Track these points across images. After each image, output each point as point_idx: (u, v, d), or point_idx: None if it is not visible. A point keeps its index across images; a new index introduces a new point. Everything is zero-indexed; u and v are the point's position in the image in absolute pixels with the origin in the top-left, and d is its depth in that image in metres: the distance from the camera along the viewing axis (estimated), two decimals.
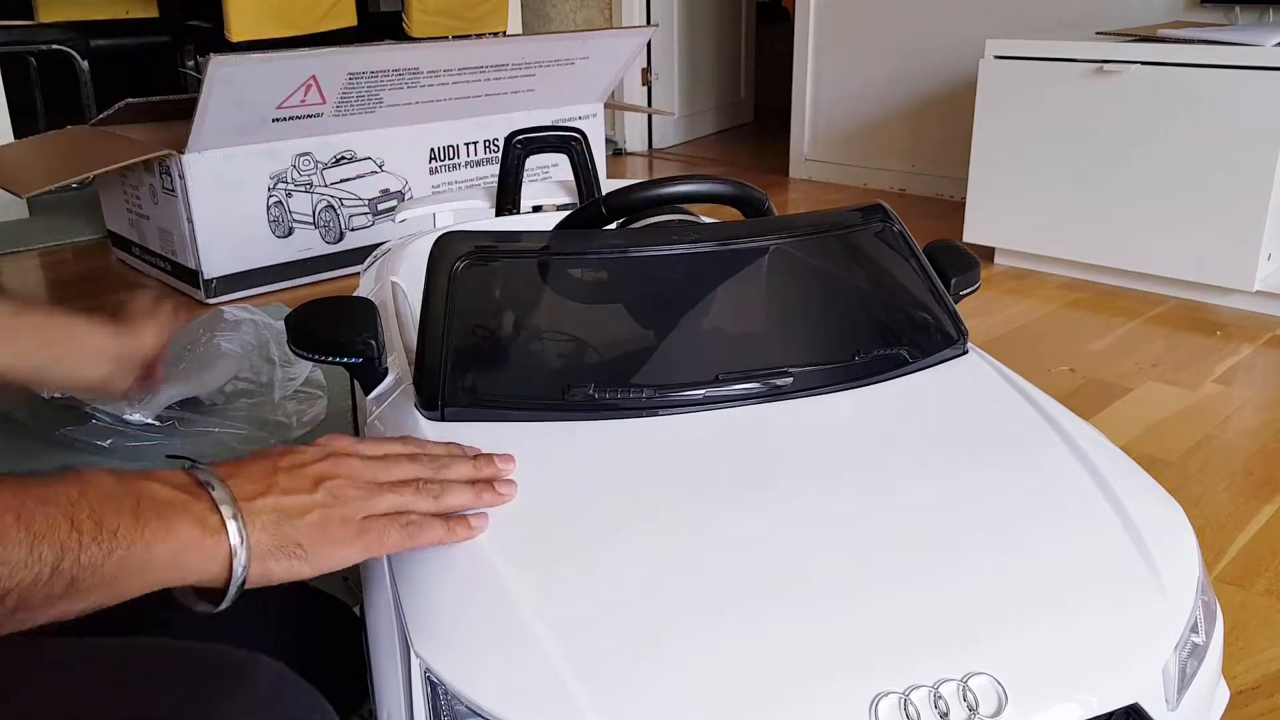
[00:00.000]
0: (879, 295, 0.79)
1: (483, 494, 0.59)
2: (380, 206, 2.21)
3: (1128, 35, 2.03)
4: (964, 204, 2.22)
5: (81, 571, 0.45)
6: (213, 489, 0.50)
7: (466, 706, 0.49)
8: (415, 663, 0.51)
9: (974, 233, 2.20)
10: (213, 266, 2.01)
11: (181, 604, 0.52)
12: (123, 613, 0.47)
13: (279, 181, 2.05)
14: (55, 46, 2.85)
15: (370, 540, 0.54)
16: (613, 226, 0.84)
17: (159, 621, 0.52)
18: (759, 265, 0.78)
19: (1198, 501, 1.24)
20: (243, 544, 0.50)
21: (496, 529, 0.58)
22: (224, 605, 0.51)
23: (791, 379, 0.70)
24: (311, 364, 1.54)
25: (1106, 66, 1.93)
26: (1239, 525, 1.19)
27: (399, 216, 1.39)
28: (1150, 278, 2.01)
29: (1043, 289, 2.07)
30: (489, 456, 0.62)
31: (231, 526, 0.50)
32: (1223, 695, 0.61)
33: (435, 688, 0.50)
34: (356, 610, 0.69)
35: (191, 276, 2.04)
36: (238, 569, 0.50)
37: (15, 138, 2.55)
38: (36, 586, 0.44)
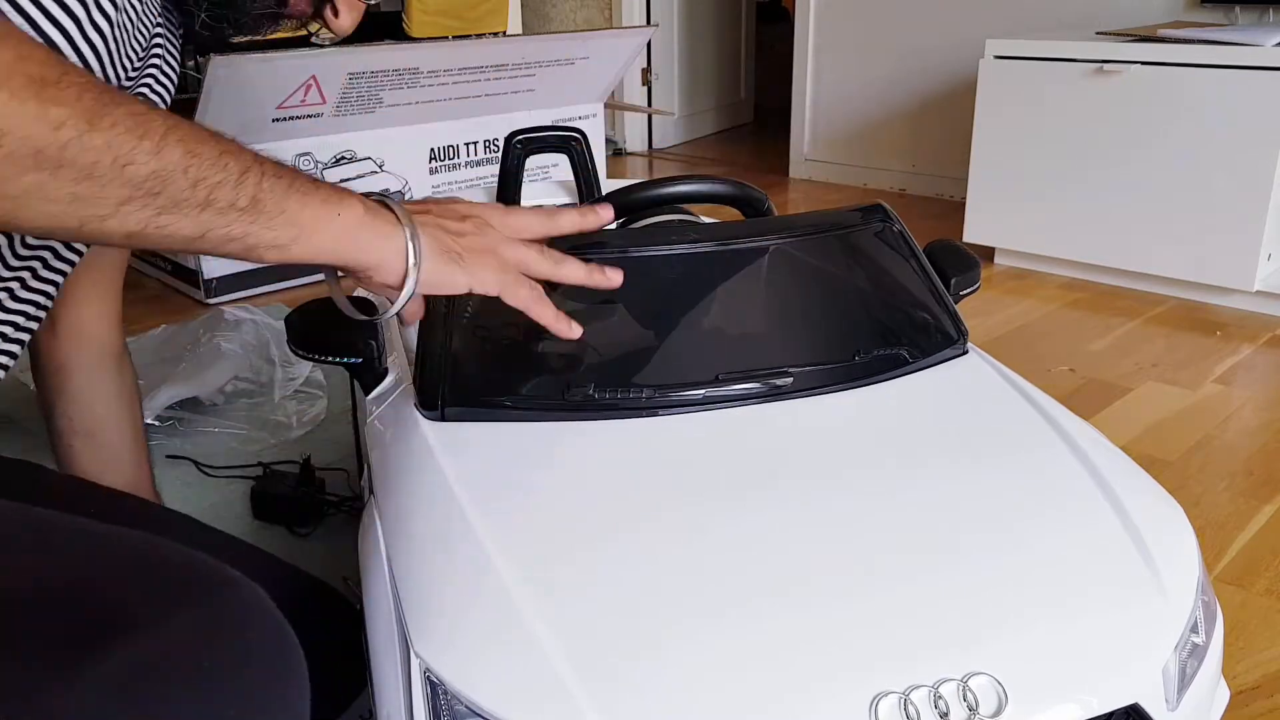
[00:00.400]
0: (879, 295, 0.79)
1: (593, 273, 0.66)
2: None
3: (1128, 35, 2.03)
4: (964, 204, 2.21)
5: (264, 194, 0.50)
6: (383, 200, 0.56)
7: (466, 706, 0.49)
8: (415, 663, 0.51)
9: (974, 233, 2.20)
10: (213, 266, 2.01)
11: (345, 315, 0.61)
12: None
13: None
14: None
15: (508, 280, 0.61)
16: (613, 226, 0.84)
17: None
18: (759, 265, 0.78)
19: (1198, 501, 1.24)
20: (414, 240, 0.56)
21: (496, 529, 0.58)
22: (393, 311, 0.57)
23: (791, 379, 0.70)
24: (311, 364, 1.54)
25: (1106, 66, 1.93)
26: (1239, 525, 1.19)
27: None
28: (1150, 278, 2.01)
29: (1043, 289, 2.07)
30: (600, 267, 0.67)
31: (406, 224, 0.56)
32: (1223, 695, 0.61)
33: (435, 687, 0.50)
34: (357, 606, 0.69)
35: (191, 277, 2.04)
36: (412, 258, 0.55)
37: None
38: (223, 188, 0.49)
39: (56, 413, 0.90)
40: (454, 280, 0.59)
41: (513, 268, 0.62)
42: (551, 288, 0.66)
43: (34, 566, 0.44)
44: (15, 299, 0.67)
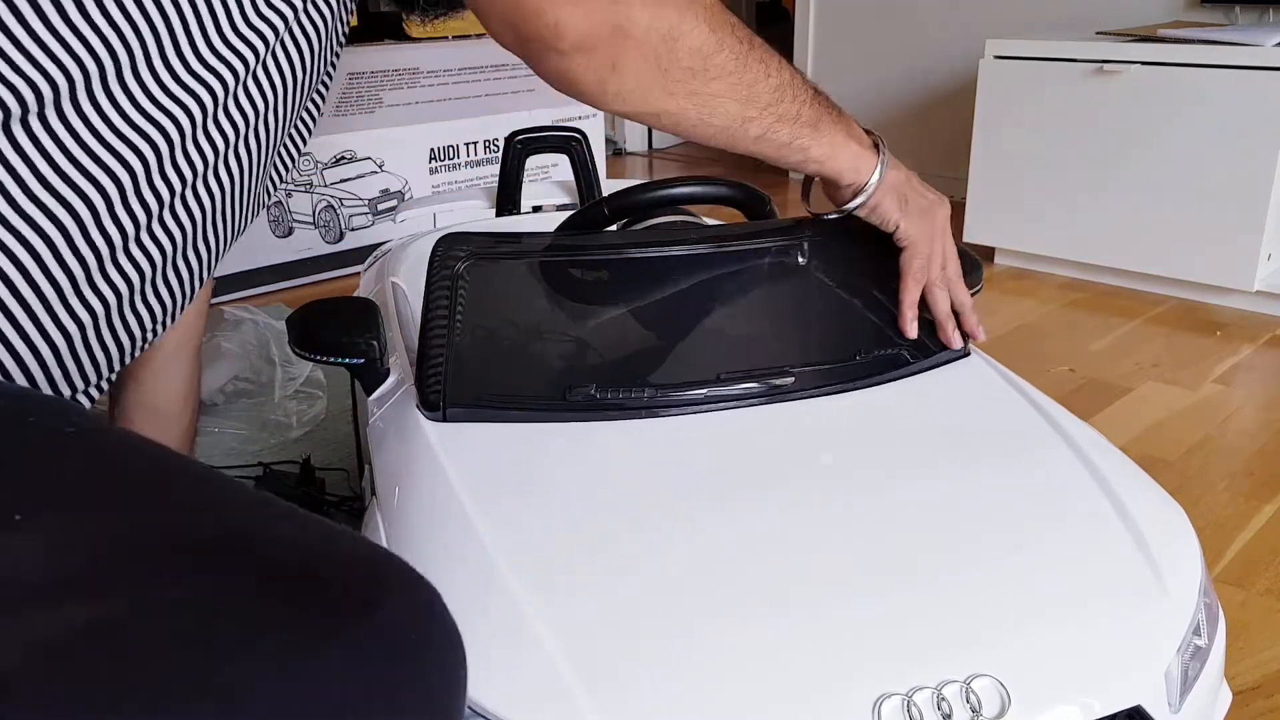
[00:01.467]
0: (880, 302, 0.79)
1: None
2: (380, 206, 2.21)
3: (1128, 35, 2.03)
4: (964, 204, 2.21)
5: (820, 117, 0.70)
6: (879, 149, 0.74)
7: (470, 708, 0.49)
8: None
9: (974, 233, 2.20)
10: None
11: (811, 208, 0.80)
12: None
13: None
14: None
15: (930, 246, 0.76)
16: (615, 227, 0.84)
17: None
18: (760, 269, 0.78)
19: (1198, 501, 1.24)
20: (880, 168, 0.73)
21: (498, 530, 0.58)
22: (853, 206, 0.74)
23: (793, 379, 0.70)
24: (311, 364, 1.54)
25: (1106, 66, 1.93)
26: (1239, 525, 1.19)
27: (399, 218, 1.39)
28: (1150, 278, 2.01)
29: (1043, 289, 2.07)
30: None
31: (882, 158, 0.73)
32: (1225, 697, 0.62)
33: None
34: None
35: None
36: (873, 179, 0.73)
37: None
38: (805, 106, 0.69)
39: (131, 383, 0.91)
40: (889, 216, 0.75)
41: (937, 246, 0.77)
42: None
43: (270, 530, 0.45)
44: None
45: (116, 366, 0.65)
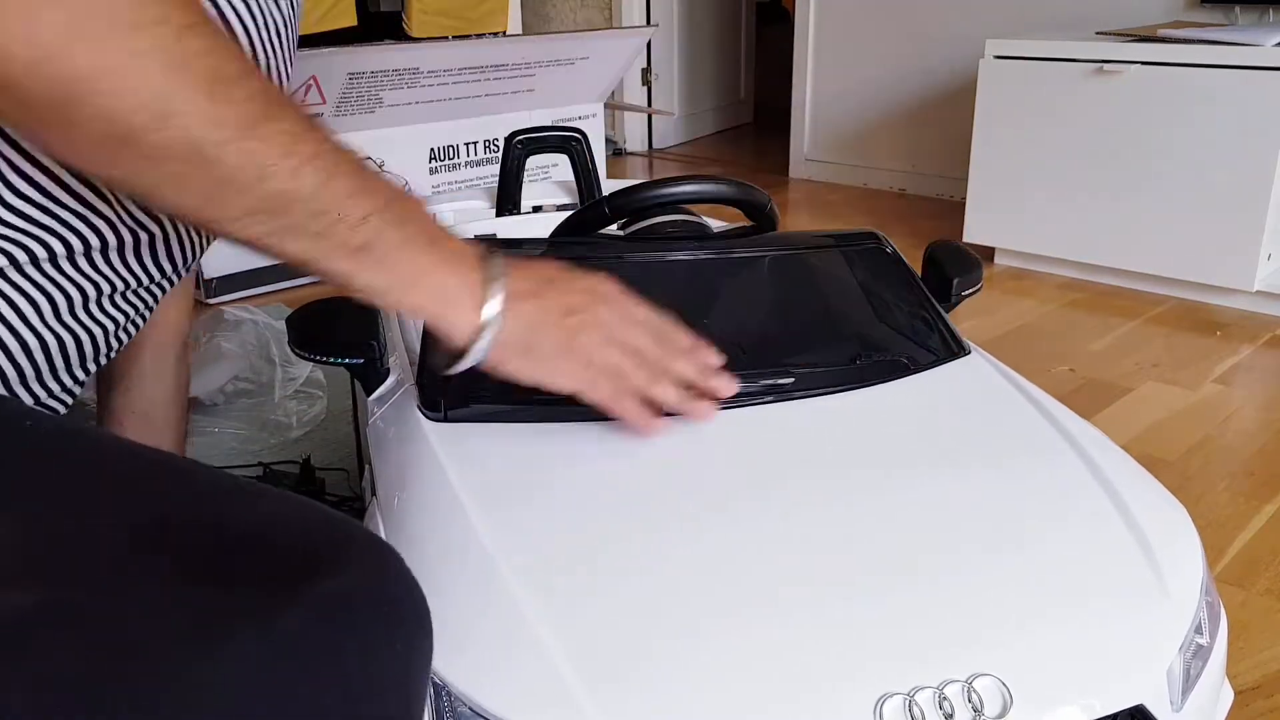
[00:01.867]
0: (875, 312, 0.80)
1: (690, 401, 0.64)
2: None
3: (1128, 35, 2.03)
4: (964, 204, 2.21)
5: (376, 242, 0.52)
6: (493, 272, 0.56)
7: (471, 710, 0.49)
8: None
9: (974, 233, 2.20)
10: (212, 266, 2.01)
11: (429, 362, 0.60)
12: None
13: None
14: None
15: (586, 379, 0.60)
16: (615, 227, 0.84)
17: None
18: (756, 277, 0.78)
19: (1198, 501, 1.24)
20: (494, 327, 0.56)
21: (500, 531, 0.57)
22: (454, 370, 0.57)
23: (793, 380, 0.70)
24: (311, 364, 1.54)
25: (1106, 66, 1.93)
26: (1239, 525, 1.19)
27: None
28: (1150, 278, 2.01)
29: (1043, 289, 2.07)
30: (716, 371, 0.64)
31: (493, 311, 0.56)
32: (1227, 696, 0.62)
33: (438, 690, 0.50)
34: None
35: None
36: (483, 344, 0.56)
37: None
38: (339, 226, 0.50)
39: (119, 389, 0.91)
40: (518, 372, 0.60)
41: (604, 375, 0.61)
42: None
43: (220, 506, 0.45)
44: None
45: (90, 361, 0.63)
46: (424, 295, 0.55)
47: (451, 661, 0.50)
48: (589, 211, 0.80)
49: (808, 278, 0.81)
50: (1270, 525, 1.19)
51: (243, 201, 0.48)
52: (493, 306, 0.56)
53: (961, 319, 1.86)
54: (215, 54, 0.45)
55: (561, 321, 0.59)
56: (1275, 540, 1.16)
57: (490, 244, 0.61)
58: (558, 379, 0.60)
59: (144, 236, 0.61)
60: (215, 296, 2.02)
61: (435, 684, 0.50)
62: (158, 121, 0.43)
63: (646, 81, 3.67)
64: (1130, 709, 0.51)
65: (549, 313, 0.59)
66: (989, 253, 2.22)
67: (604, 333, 0.61)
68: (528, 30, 3.49)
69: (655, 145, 3.77)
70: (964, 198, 2.22)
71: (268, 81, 0.49)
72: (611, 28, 3.44)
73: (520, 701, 0.48)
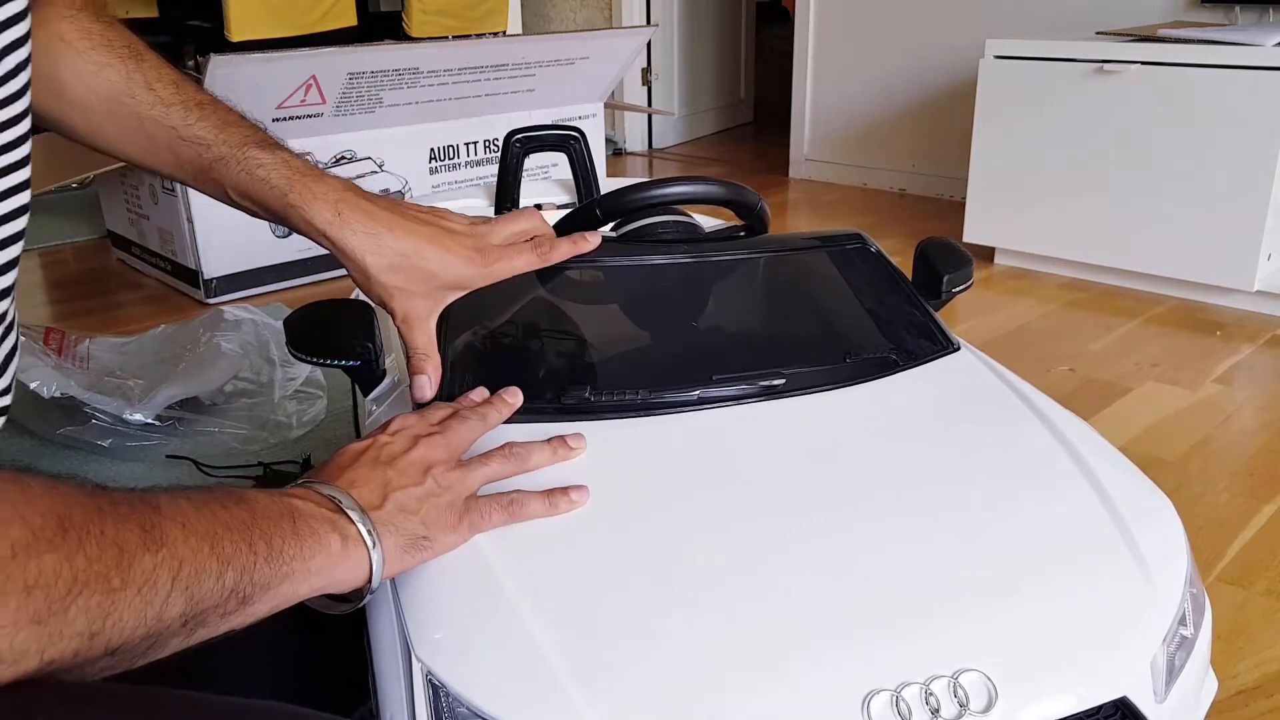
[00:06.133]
0: (863, 316, 0.80)
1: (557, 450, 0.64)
2: None
3: (1128, 35, 2.03)
4: (964, 204, 2.21)
5: (254, 589, 0.48)
6: (344, 505, 0.54)
7: (468, 709, 0.49)
8: (417, 666, 0.51)
9: (974, 233, 2.20)
10: (212, 266, 2.01)
11: (315, 608, 0.56)
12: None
13: None
14: None
15: (475, 519, 0.58)
16: (608, 228, 0.84)
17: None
18: (741, 278, 0.79)
19: (1198, 501, 1.24)
20: (377, 549, 0.54)
21: (496, 533, 0.58)
22: (360, 605, 0.55)
23: (784, 379, 0.71)
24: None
25: (1106, 66, 1.93)
26: (1239, 525, 1.19)
27: None
28: (1150, 278, 2.01)
29: (1043, 289, 2.07)
30: (563, 439, 0.64)
31: (369, 538, 0.54)
32: (1210, 686, 0.62)
33: (437, 691, 0.50)
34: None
35: (191, 276, 2.04)
36: (376, 573, 0.54)
37: None
38: (214, 609, 0.46)
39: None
40: (423, 560, 0.57)
41: (489, 503, 0.59)
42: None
43: None
44: None
45: None
46: (320, 578, 0.52)
47: (448, 661, 0.50)
48: (581, 213, 0.80)
49: (793, 279, 0.81)
50: (1270, 525, 1.19)
51: (138, 650, 0.44)
52: (370, 538, 0.54)
53: (961, 319, 1.86)
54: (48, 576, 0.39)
55: (423, 489, 0.57)
56: (1275, 540, 1.16)
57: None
58: (455, 539, 0.57)
59: None
60: (215, 296, 2.03)
61: (435, 684, 0.50)
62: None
63: (646, 81, 3.67)
64: (1114, 701, 0.51)
65: (407, 491, 0.57)
66: (989, 252, 2.22)
67: (456, 463, 0.60)
68: (527, 30, 3.49)
69: (655, 145, 3.77)
70: (964, 198, 2.22)
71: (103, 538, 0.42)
72: (611, 28, 3.45)
73: (516, 699, 0.48)
